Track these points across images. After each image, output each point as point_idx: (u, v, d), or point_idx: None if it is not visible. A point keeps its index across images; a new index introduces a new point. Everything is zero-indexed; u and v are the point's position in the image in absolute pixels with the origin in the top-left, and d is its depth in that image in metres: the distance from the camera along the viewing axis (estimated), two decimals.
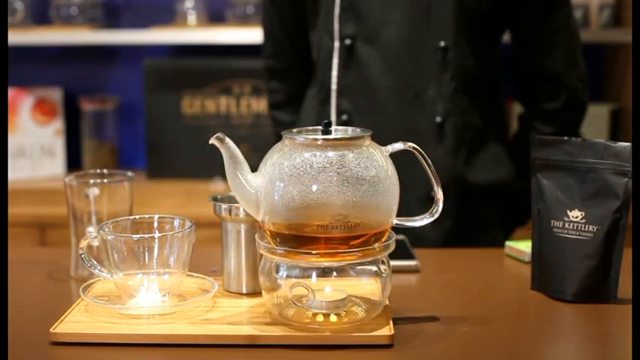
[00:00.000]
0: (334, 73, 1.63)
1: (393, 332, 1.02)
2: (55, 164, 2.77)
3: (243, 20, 2.68)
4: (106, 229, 1.10)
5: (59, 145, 2.77)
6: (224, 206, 1.16)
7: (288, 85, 1.80)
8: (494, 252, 1.44)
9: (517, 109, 2.14)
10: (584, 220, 1.18)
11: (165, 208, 2.47)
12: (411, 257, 1.35)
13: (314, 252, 1.02)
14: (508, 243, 1.42)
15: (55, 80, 2.83)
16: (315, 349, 1.01)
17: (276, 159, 1.03)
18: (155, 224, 1.14)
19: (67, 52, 2.82)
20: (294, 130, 1.06)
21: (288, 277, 1.05)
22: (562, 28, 1.64)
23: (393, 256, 1.08)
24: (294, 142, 1.03)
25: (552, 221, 1.20)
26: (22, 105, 2.73)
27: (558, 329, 1.09)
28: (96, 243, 1.13)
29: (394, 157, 1.07)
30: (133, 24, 2.78)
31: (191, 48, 2.79)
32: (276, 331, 1.03)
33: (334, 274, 1.05)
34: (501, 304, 1.22)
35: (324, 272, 1.05)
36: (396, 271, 1.22)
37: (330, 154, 1.01)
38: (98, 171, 1.31)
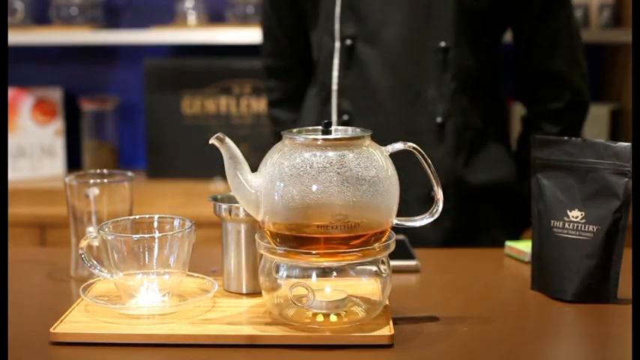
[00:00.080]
0: (335, 73, 1.63)
1: (393, 332, 1.02)
2: (55, 164, 2.77)
3: (243, 20, 2.68)
4: (106, 229, 1.10)
5: (59, 145, 2.77)
6: (224, 206, 1.16)
7: (287, 84, 1.80)
8: (494, 252, 1.44)
9: (517, 109, 2.15)
10: (584, 220, 1.18)
11: (165, 208, 2.47)
12: (411, 257, 1.35)
13: (314, 252, 1.02)
14: (508, 243, 1.42)
15: (55, 80, 2.83)
16: (315, 349, 1.01)
17: (276, 159, 1.03)
18: (155, 224, 1.14)
19: (67, 52, 2.82)
20: (294, 130, 1.06)
21: (288, 277, 1.05)
22: (564, 28, 1.64)
23: (393, 256, 1.08)
24: (294, 142, 1.03)
25: (552, 221, 1.20)
26: (22, 105, 2.73)
27: (558, 329, 1.09)
28: (96, 243, 1.13)
29: (394, 157, 1.07)
30: (133, 24, 2.78)
31: (191, 48, 2.79)
32: (276, 331, 1.03)
33: (334, 274, 1.05)
34: (501, 304, 1.22)
35: (324, 272, 1.05)
36: (396, 271, 1.22)
37: (330, 154, 1.01)
38: (98, 171, 1.31)
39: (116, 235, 1.09)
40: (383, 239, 1.05)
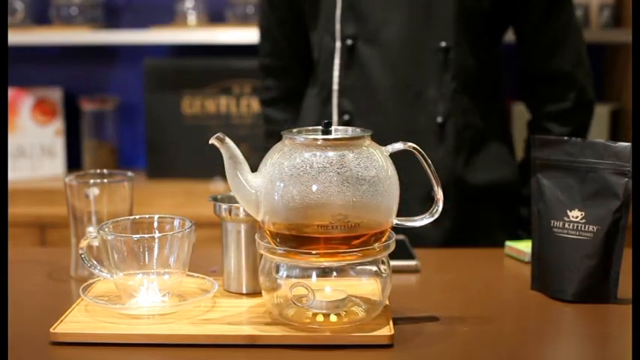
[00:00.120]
0: (335, 73, 1.63)
1: (393, 332, 1.02)
2: (55, 164, 2.77)
3: (243, 20, 2.68)
4: (106, 229, 1.10)
5: (59, 145, 2.77)
6: (224, 206, 1.16)
7: (285, 84, 1.79)
8: (494, 252, 1.44)
9: (518, 109, 2.14)
10: (584, 220, 1.18)
11: (165, 208, 2.47)
12: (411, 257, 1.35)
13: (314, 252, 1.02)
14: (508, 243, 1.42)
15: (55, 80, 2.83)
16: (315, 349, 1.01)
17: (276, 159, 1.03)
18: (155, 224, 1.14)
19: (67, 52, 2.82)
20: (294, 130, 1.06)
21: (288, 277, 1.05)
22: (566, 27, 1.63)
23: (393, 256, 1.08)
24: (294, 142, 1.03)
25: (552, 221, 1.20)
26: (22, 105, 2.73)
27: (558, 329, 1.09)
28: (96, 243, 1.13)
29: (394, 157, 1.07)
30: (133, 24, 2.78)
31: (191, 48, 2.79)
32: (276, 331, 1.03)
33: (334, 274, 1.05)
34: (501, 304, 1.22)
35: (324, 272, 1.05)
36: (396, 271, 1.22)
37: (330, 154, 1.01)
38: (98, 171, 1.31)
39: (116, 235, 1.09)
40: (383, 239, 1.05)
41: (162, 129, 2.71)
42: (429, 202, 1.21)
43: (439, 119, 1.60)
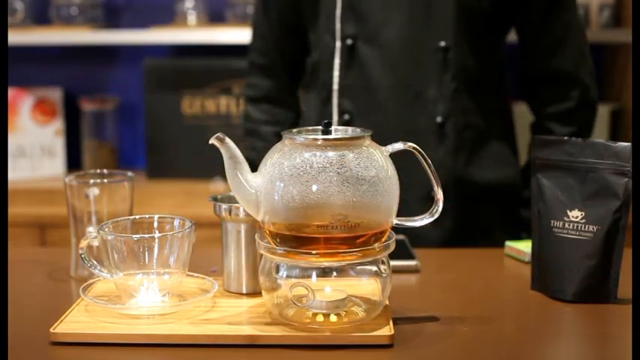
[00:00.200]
0: (335, 72, 1.63)
1: (393, 332, 1.02)
2: (55, 164, 2.77)
3: (243, 20, 2.68)
4: (106, 229, 1.10)
5: (59, 145, 2.78)
6: (224, 206, 1.16)
7: (268, 83, 1.78)
8: (494, 252, 1.44)
9: (519, 109, 2.14)
10: (584, 220, 1.18)
11: (165, 208, 2.47)
12: (411, 257, 1.35)
13: (314, 252, 1.02)
14: (508, 243, 1.42)
15: (55, 80, 2.83)
16: (315, 349, 1.01)
17: (276, 159, 1.03)
18: (155, 224, 1.14)
19: (67, 52, 2.82)
20: (294, 130, 1.06)
21: (288, 277, 1.05)
22: (568, 27, 1.63)
23: (393, 256, 1.08)
24: (294, 142, 1.03)
25: (552, 221, 1.20)
26: (22, 105, 2.73)
27: (558, 329, 1.09)
28: (96, 243, 1.13)
29: (394, 157, 1.07)
30: (133, 24, 2.78)
31: (191, 48, 2.79)
32: (276, 331, 1.03)
33: (334, 274, 1.05)
34: (501, 304, 1.22)
35: (324, 272, 1.05)
36: (396, 271, 1.22)
37: (330, 154, 1.01)
38: (98, 171, 1.31)
39: (116, 235, 1.09)
40: (383, 239, 1.05)
41: (162, 129, 2.71)
42: (429, 202, 1.21)
43: (439, 119, 1.60)
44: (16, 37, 2.59)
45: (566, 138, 1.21)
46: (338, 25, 1.62)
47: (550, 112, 1.67)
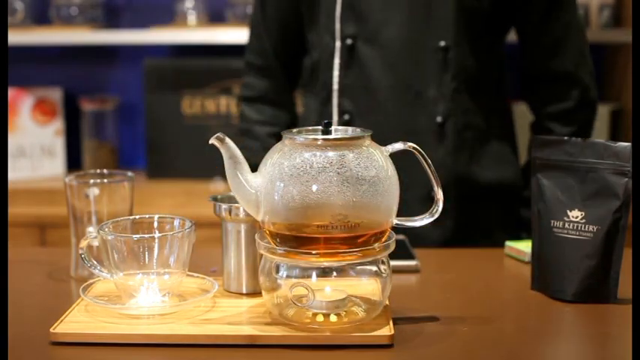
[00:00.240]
0: (335, 72, 1.63)
1: (393, 332, 1.02)
2: (55, 164, 2.77)
3: (243, 20, 2.68)
4: (106, 229, 1.10)
5: (59, 145, 2.78)
6: (224, 206, 1.16)
7: (264, 84, 1.78)
8: (494, 252, 1.44)
9: (519, 109, 2.14)
10: (584, 220, 1.18)
11: (166, 208, 2.47)
12: (411, 257, 1.35)
13: (314, 252, 1.02)
14: (508, 243, 1.42)
15: (55, 80, 2.83)
16: (315, 349, 1.01)
17: (276, 159, 1.03)
18: (155, 224, 1.14)
19: (67, 52, 2.82)
20: (294, 130, 1.06)
21: (288, 277, 1.05)
22: (568, 27, 1.63)
23: (393, 256, 1.08)
24: (294, 142, 1.03)
25: (552, 221, 1.20)
26: (22, 105, 2.73)
27: (558, 329, 1.09)
28: (96, 243, 1.13)
29: (394, 157, 1.07)
30: (133, 24, 2.78)
31: (191, 48, 2.79)
32: (276, 331, 1.03)
33: (334, 274, 1.05)
34: (501, 304, 1.22)
35: (324, 272, 1.05)
36: (396, 271, 1.22)
37: (330, 154, 1.01)
38: (98, 171, 1.31)
39: (116, 235, 1.09)
40: (383, 239, 1.05)
41: (162, 129, 2.71)
42: (429, 202, 1.21)
43: (439, 119, 1.60)
44: (16, 37, 2.59)
45: (566, 138, 1.21)
46: (338, 25, 1.62)
47: (550, 112, 1.67)
